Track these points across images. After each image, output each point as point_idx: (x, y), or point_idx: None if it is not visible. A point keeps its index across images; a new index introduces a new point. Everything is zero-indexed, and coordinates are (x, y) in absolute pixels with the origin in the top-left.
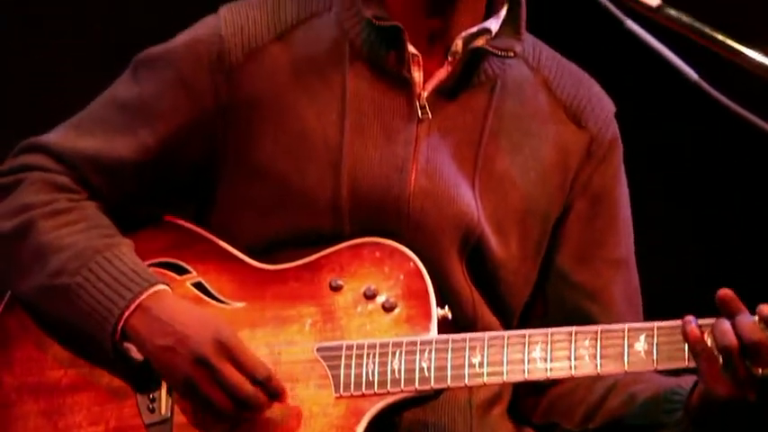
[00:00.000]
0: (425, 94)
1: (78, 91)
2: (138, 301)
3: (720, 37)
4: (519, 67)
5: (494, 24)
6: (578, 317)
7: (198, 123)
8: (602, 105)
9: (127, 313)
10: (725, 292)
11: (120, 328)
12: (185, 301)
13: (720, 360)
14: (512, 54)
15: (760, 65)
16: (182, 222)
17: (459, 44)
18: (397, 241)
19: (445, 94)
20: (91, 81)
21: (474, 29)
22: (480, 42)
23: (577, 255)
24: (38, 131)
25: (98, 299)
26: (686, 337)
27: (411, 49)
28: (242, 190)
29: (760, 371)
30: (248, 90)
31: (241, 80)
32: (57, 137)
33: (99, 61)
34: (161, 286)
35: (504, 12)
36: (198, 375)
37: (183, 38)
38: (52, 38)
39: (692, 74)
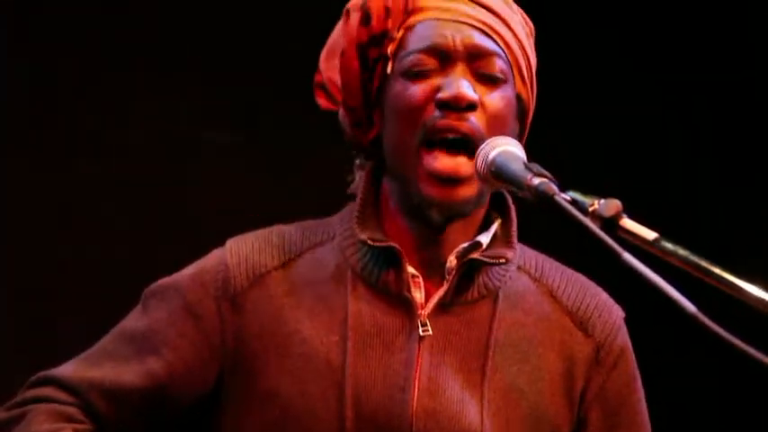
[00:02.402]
0: (426, 312)
1: None
2: None
3: (718, 271)
4: (521, 278)
5: (484, 238)
6: None
7: (204, 350)
8: (609, 312)
9: None
10: None
11: None
12: None
13: None
14: (503, 260)
15: (759, 299)
16: None
17: (452, 261)
18: None
19: (446, 309)
20: None
21: (466, 243)
22: (473, 255)
23: None
24: None
25: None
26: None
27: (410, 269)
28: (246, 415)
29: None
30: (253, 315)
31: (245, 306)
32: (65, 370)
33: None
34: None
35: (495, 226)
36: None
37: (190, 269)
38: None
39: (689, 306)
